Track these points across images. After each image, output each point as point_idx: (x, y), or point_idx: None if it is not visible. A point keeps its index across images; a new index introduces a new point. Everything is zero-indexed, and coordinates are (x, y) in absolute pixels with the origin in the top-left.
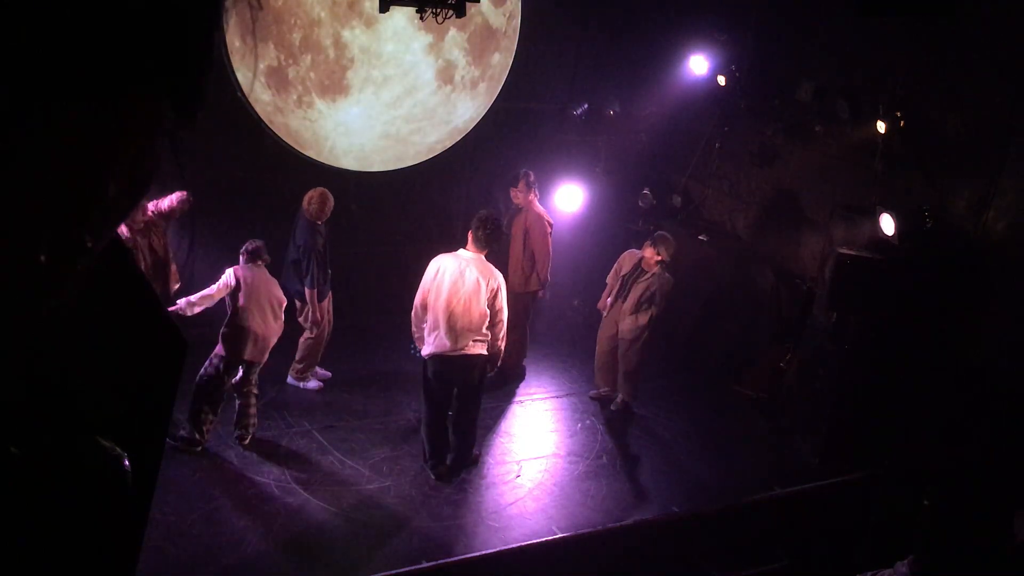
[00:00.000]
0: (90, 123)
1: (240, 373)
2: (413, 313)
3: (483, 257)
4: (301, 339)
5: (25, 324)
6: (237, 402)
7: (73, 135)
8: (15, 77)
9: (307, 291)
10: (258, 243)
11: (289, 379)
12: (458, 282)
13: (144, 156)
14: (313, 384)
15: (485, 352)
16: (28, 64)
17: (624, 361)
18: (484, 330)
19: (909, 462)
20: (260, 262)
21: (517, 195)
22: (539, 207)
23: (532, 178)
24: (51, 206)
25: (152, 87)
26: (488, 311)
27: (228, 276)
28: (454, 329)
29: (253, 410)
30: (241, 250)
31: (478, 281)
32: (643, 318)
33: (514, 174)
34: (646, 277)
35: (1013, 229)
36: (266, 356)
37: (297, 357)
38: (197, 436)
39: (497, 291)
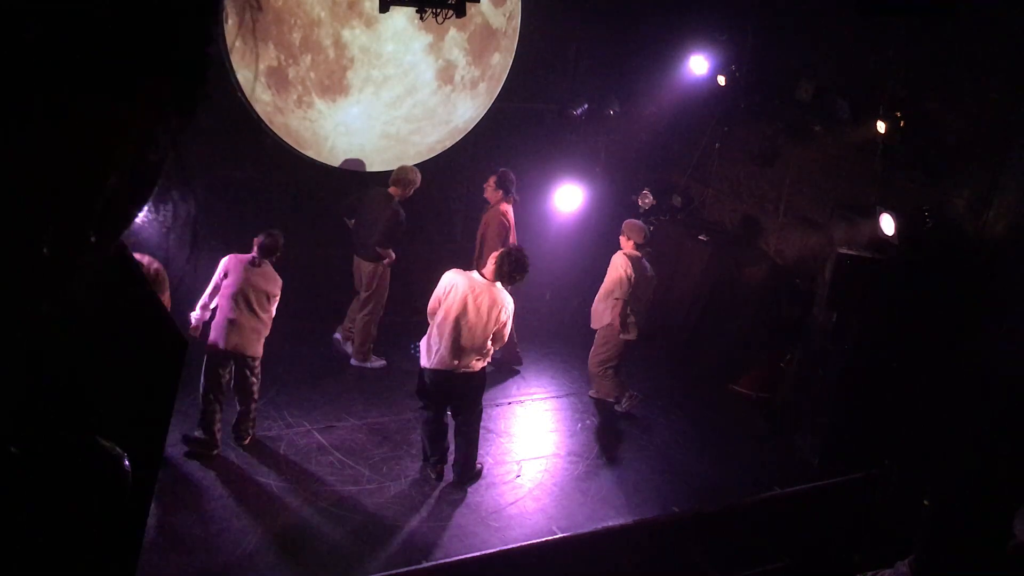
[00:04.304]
0: (88, 116)
1: (234, 369)
2: (428, 316)
3: (497, 285)
4: (357, 321)
5: (26, 323)
6: (236, 400)
7: (72, 128)
8: (16, 70)
9: (383, 250)
10: (274, 236)
11: (353, 362)
12: (468, 308)
13: (145, 151)
14: (378, 363)
15: (483, 366)
16: (29, 58)
17: (590, 357)
18: (487, 347)
19: (909, 462)
20: (262, 258)
21: (486, 190)
22: (504, 207)
23: (508, 179)
24: (53, 198)
25: (150, 80)
26: (492, 335)
27: (220, 266)
28: (456, 349)
29: (253, 408)
30: (255, 240)
31: (489, 312)
32: (607, 313)
33: (494, 170)
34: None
35: (1013, 229)
36: (254, 350)
37: (357, 341)
38: (207, 437)
39: (506, 323)
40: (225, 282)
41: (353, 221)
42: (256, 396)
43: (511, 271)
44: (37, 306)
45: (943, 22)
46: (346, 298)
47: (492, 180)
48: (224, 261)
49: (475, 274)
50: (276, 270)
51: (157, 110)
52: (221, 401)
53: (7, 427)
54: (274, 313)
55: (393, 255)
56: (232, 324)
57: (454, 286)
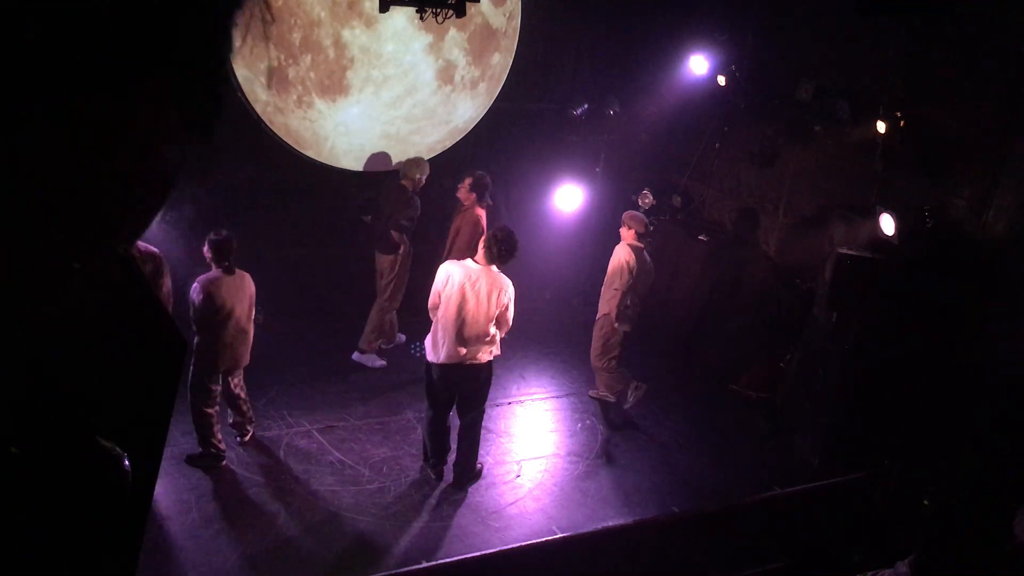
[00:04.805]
0: (95, 120)
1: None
2: (429, 312)
3: (493, 269)
4: (373, 308)
5: (26, 323)
6: (229, 408)
7: (77, 132)
8: (18, 71)
9: (397, 234)
10: (222, 234)
11: (355, 356)
12: (467, 295)
13: (156, 156)
14: (378, 363)
15: (491, 358)
16: (30, 59)
17: (592, 352)
18: (491, 334)
19: (909, 462)
20: (228, 262)
21: (459, 190)
22: (479, 211)
23: (484, 183)
24: (84, 214)
25: (167, 93)
26: (496, 320)
27: (195, 296)
28: (462, 340)
29: (246, 407)
30: (206, 244)
31: (489, 296)
32: (611, 301)
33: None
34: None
35: (1013, 229)
36: (246, 359)
37: (367, 329)
38: (213, 451)
39: (508, 305)
40: (215, 307)
41: (370, 217)
42: (245, 395)
43: (499, 252)
44: (38, 308)
45: (943, 22)
46: (346, 298)
47: (467, 181)
48: (196, 287)
49: (469, 261)
50: (242, 266)
51: (166, 114)
52: (217, 412)
53: (7, 427)
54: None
55: (407, 242)
56: (228, 347)
57: (450, 276)
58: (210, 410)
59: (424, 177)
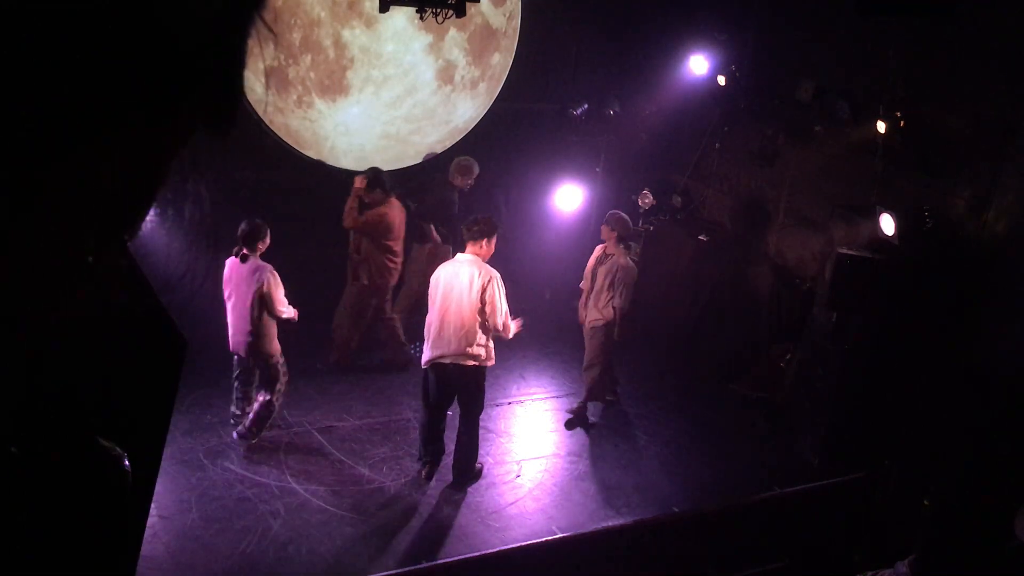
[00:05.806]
0: (119, 125)
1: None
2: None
3: (479, 260)
4: None
5: (27, 323)
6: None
7: (127, 146)
8: (26, 73)
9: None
10: (254, 223)
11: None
12: (452, 282)
13: (172, 154)
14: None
15: (477, 365)
16: (57, 73)
17: (585, 355)
18: (478, 336)
19: (909, 462)
20: (245, 250)
21: (365, 196)
22: (389, 207)
23: (378, 176)
24: (99, 212)
25: (191, 105)
26: (480, 306)
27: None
28: (446, 333)
29: (239, 405)
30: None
31: (471, 282)
32: (606, 310)
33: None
34: (607, 262)
35: (1013, 229)
36: (242, 350)
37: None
38: (237, 412)
39: (487, 283)
40: (223, 285)
41: (415, 206)
42: (243, 395)
43: (470, 230)
44: (40, 309)
45: (943, 22)
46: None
47: (363, 180)
48: (225, 272)
49: (459, 255)
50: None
51: (192, 128)
52: (249, 385)
53: (7, 427)
54: (281, 307)
55: (435, 235)
56: (229, 328)
57: (437, 275)
58: (234, 380)
59: (468, 179)
